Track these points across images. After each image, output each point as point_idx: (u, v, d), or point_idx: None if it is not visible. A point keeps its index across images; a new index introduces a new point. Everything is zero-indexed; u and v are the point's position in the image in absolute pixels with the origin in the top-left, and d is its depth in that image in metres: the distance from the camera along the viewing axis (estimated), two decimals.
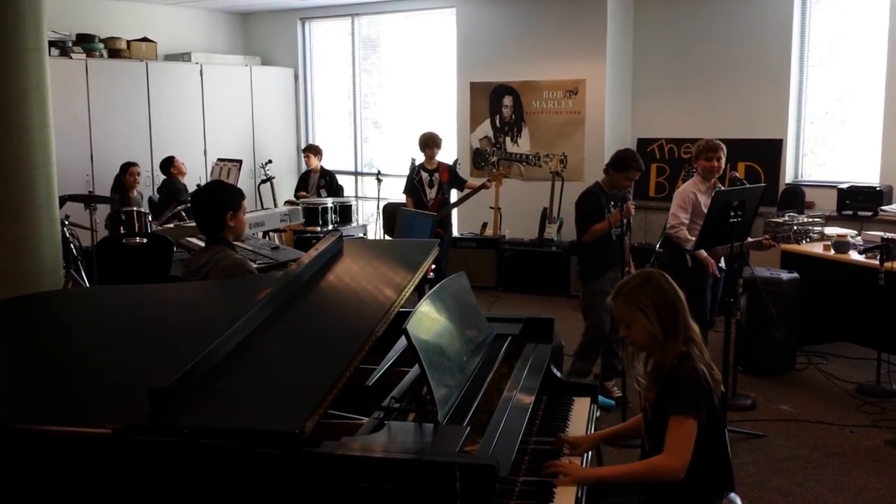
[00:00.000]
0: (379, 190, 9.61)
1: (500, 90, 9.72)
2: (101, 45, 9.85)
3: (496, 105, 9.77)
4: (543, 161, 9.51)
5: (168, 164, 9.17)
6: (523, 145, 9.67)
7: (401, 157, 9.66)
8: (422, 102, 10.80)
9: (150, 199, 9.10)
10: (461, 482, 2.03)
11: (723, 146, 5.76)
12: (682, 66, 9.00)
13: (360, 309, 2.92)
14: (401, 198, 8.27)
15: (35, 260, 4.45)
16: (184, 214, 7.96)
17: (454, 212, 8.54)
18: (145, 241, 6.90)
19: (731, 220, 5.21)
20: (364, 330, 2.58)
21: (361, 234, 9.33)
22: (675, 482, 2.67)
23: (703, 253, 5.59)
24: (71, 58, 9.36)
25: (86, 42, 9.67)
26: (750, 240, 5.62)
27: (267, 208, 9.33)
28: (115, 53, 9.97)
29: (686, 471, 2.66)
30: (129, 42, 10.14)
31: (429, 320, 2.69)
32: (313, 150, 9.98)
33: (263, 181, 10.32)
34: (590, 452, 2.95)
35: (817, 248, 6.41)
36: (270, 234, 8.04)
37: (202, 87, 10.53)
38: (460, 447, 2.20)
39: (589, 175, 8.77)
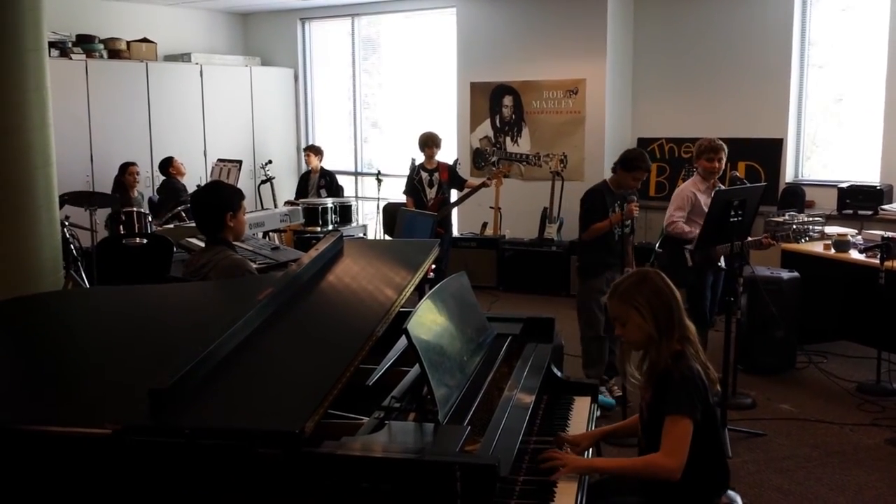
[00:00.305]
0: (379, 190, 9.61)
1: (501, 90, 9.72)
2: (101, 46, 9.85)
3: (496, 105, 9.77)
4: (543, 161, 9.51)
5: (167, 165, 9.18)
6: (523, 145, 9.67)
7: (401, 158, 9.66)
8: (422, 102, 10.80)
9: (150, 200, 9.10)
10: (462, 482, 2.03)
11: (724, 147, 5.75)
12: (682, 66, 9.00)
13: (361, 309, 2.92)
14: (401, 198, 8.27)
15: (35, 260, 4.45)
16: (184, 215, 7.96)
17: (454, 211, 8.54)
18: (145, 241, 6.90)
19: (732, 220, 5.21)
20: (364, 330, 2.58)
21: (361, 235, 9.33)
22: (672, 481, 2.67)
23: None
24: (71, 58, 9.36)
25: (86, 43, 9.67)
26: (750, 239, 5.62)
27: (267, 209, 9.34)
28: (114, 54, 9.97)
29: (682, 470, 2.67)
30: (128, 43, 10.14)
31: (429, 320, 2.69)
32: (314, 150, 9.98)
33: (263, 181, 10.33)
34: (590, 450, 2.95)
35: (818, 248, 6.41)
36: (270, 234, 8.04)
37: (202, 87, 10.53)
38: (461, 447, 2.20)
39: (589, 175, 8.79)
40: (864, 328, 6.33)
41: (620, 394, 5.39)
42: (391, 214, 8.72)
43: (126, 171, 8.62)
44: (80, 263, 6.82)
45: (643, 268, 3.00)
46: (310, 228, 8.67)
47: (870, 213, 7.47)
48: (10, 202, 4.37)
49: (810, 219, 6.39)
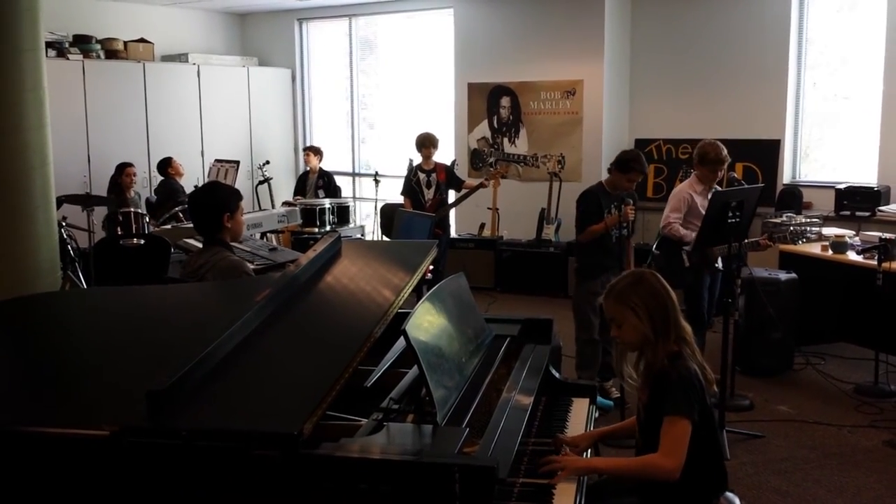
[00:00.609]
0: (377, 191, 9.61)
1: (498, 91, 9.72)
2: (98, 46, 9.84)
3: (494, 106, 9.77)
4: (541, 162, 9.51)
5: (165, 165, 9.17)
6: (521, 146, 9.67)
7: (398, 158, 9.66)
8: (419, 103, 10.80)
9: (148, 200, 9.08)
10: (460, 483, 2.03)
11: (728, 158, 5.72)
12: (679, 67, 9.01)
13: (359, 310, 2.92)
14: (398, 198, 8.26)
15: (32, 261, 4.44)
16: (181, 216, 7.95)
17: (452, 212, 8.54)
18: (143, 242, 6.89)
19: (730, 221, 5.20)
20: (362, 331, 2.57)
21: (359, 235, 9.32)
22: (670, 482, 2.67)
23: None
24: (68, 59, 9.34)
25: (83, 43, 9.66)
26: (747, 240, 5.61)
27: (265, 209, 9.33)
28: (112, 54, 9.95)
29: (681, 471, 2.66)
30: (126, 43, 10.13)
31: (427, 321, 2.69)
32: (314, 151, 9.98)
33: (261, 182, 10.32)
34: (588, 451, 2.95)
35: (815, 249, 6.41)
36: (268, 235, 8.03)
37: (199, 87, 10.52)
38: (459, 448, 2.19)
39: (587, 175, 8.79)
40: (861, 329, 6.34)
41: (619, 395, 5.39)
42: (389, 215, 8.72)
43: (123, 172, 8.61)
44: (77, 264, 6.81)
45: (638, 269, 3.01)
46: (307, 229, 8.67)
47: (867, 214, 7.47)
48: (8, 203, 4.36)
49: (808, 220, 6.39)
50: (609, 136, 9.12)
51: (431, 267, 6.68)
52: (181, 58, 10.65)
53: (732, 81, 8.65)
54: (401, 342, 2.83)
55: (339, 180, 10.21)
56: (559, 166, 9.27)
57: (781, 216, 6.75)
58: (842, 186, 7.75)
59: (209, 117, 10.63)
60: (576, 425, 3.12)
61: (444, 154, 9.08)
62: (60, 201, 6.20)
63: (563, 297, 8.36)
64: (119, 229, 7.22)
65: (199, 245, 4.23)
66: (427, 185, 7.86)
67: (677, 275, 5.28)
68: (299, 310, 2.87)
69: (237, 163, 9.72)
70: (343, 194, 10.28)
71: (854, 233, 6.69)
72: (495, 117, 9.79)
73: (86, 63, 9.46)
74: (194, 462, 2.09)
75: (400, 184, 8.21)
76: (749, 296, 6.09)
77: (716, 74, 8.76)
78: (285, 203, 9.44)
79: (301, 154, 11.24)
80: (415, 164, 8.08)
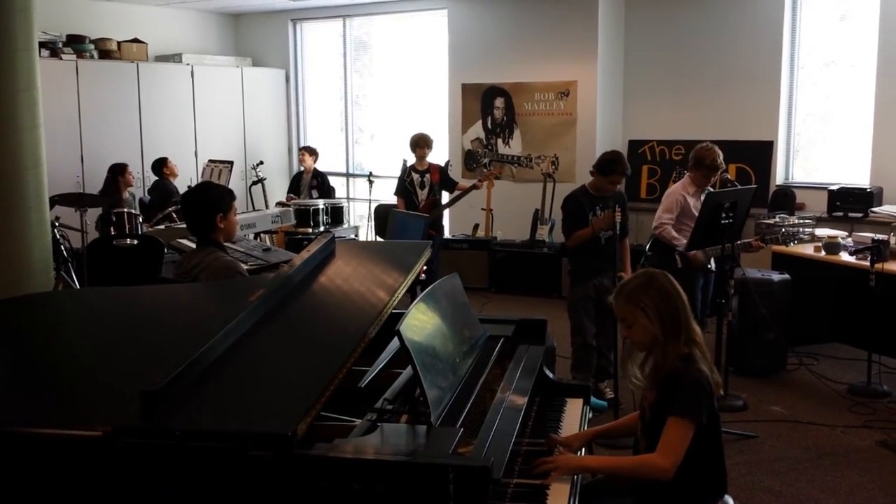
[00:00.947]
0: (370, 191, 9.60)
1: (492, 91, 9.72)
2: (92, 46, 9.82)
3: (488, 106, 9.78)
4: (535, 162, 9.51)
5: (160, 165, 9.14)
6: (515, 147, 9.68)
7: (392, 159, 9.65)
8: (413, 104, 10.80)
9: (142, 201, 9.06)
10: (455, 484, 2.03)
11: (723, 165, 5.72)
12: (673, 68, 9.02)
13: (353, 311, 2.92)
14: (392, 199, 8.26)
15: (25, 261, 4.43)
16: (174, 216, 7.93)
17: (446, 213, 8.54)
18: (136, 242, 6.87)
19: (723, 222, 5.22)
20: (356, 332, 2.58)
21: (353, 236, 9.32)
22: (664, 481, 2.67)
23: (696, 254, 5.57)
24: (61, 59, 9.32)
25: (76, 43, 9.64)
26: (739, 242, 5.63)
27: (258, 210, 9.31)
28: (105, 54, 9.93)
29: (675, 471, 2.66)
30: (119, 43, 10.10)
31: (421, 322, 2.69)
32: (308, 151, 9.96)
33: (255, 182, 10.30)
34: (582, 451, 2.95)
35: (808, 250, 6.43)
36: (262, 235, 8.02)
37: (193, 88, 10.50)
38: (453, 449, 2.19)
39: (581, 176, 8.79)
40: (854, 330, 6.35)
41: (612, 396, 5.39)
42: (382, 216, 8.71)
43: (125, 171, 8.57)
44: (70, 264, 6.79)
45: (649, 269, 2.99)
46: (301, 230, 8.65)
47: (860, 215, 7.49)
48: (1, 203, 4.35)
49: (800, 221, 6.41)
50: (603, 137, 9.13)
51: (425, 267, 6.70)
52: (175, 58, 10.63)
53: (725, 83, 8.66)
54: (395, 343, 2.82)
55: (332, 181, 10.20)
56: (553, 167, 9.28)
57: (774, 217, 6.78)
58: (834, 187, 7.77)
59: (203, 118, 10.61)
60: (570, 426, 3.12)
61: (438, 155, 9.08)
62: (53, 201, 6.18)
63: (556, 298, 8.37)
64: (112, 229, 7.19)
65: (193, 245, 4.21)
66: (421, 186, 7.86)
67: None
68: (293, 310, 2.87)
69: (231, 163, 9.69)
70: (337, 195, 10.27)
71: (847, 234, 6.71)
72: (489, 118, 9.80)
73: (79, 63, 9.44)
74: (188, 463, 2.08)
75: (393, 184, 8.21)
76: (742, 296, 6.10)
77: (709, 76, 8.77)
78: (279, 203, 9.43)
79: (295, 154, 11.24)
80: (408, 164, 8.07)
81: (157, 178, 9.16)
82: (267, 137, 11.47)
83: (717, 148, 5.73)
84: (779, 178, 8.53)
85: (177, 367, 2.23)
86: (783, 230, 6.08)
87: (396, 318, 2.59)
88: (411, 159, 8.07)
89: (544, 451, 2.83)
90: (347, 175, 11.52)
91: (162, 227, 7.63)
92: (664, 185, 8.58)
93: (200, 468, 2.09)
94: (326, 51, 11.60)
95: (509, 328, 3.42)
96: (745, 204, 5.49)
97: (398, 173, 8.20)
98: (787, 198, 8.12)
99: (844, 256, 6.18)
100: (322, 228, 8.70)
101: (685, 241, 5.54)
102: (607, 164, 5.46)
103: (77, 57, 9.49)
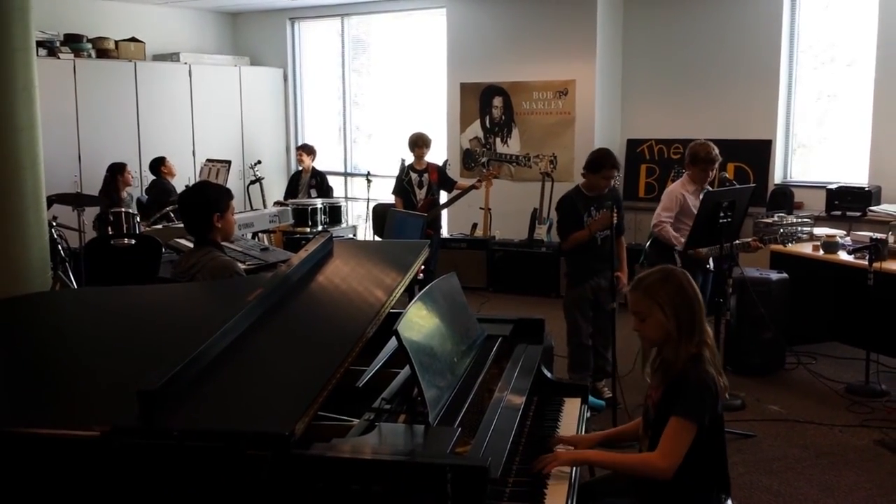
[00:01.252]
0: (369, 190, 9.60)
1: (490, 91, 9.72)
2: (89, 45, 9.81)
3: (486, 106, 9.77)
4: (533, 162, 9.51)
5: (158, 164, 9.13)
6: (513, 146, 9.67)
7: (390, 158, 9.65)
8: (412, 103, 10.80)
9: (139, 200, 9.05)
10: (452, 483, 2.02)
11: (719, 158, 5.73)
12: (671, 67, 9.02)
13: (351, 310, 2.91)
14: (390, 198, 8.26)
15: (23, 261, 4.42)
16: (172, 215, 7.92)
17: (444, 212, 8.54)
18: (133, 242, 6.87)
19: (721, 221, 5.22)
20: (354, 331, 2.57)
21: (351, 235, 9.31)
22: (663, 480, 2.67)
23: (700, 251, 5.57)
24: (59, 58, 9.31)
25: (74, 42, 9.62)
26: (737, 241, 5.62)
27: (256, 209, 9.30)
28: (103, 53, 9.92)
29: (674, 472, 2.66)
30: (117, 42, 10.10)
31: (419, 321, 2.68)
32: (307, 150, 9.94)
33: (252, 182, 10.30)
34: None
35: (806, 249, 6.43)
36: (260, 235, 8.01)
37: (191, 87, 10.50)
38: (451, 448, 2.19)
39: (579, 176, 8.75)
40: (853, 329, 6.35)
41: (610, 395, 5.39)
42: (381, 215, 8.70)
43: (124, 171, 8.56)
44: (67, 264, 6.78)
45: (668, 265, 2.97)
46: (299, 229, 8.65)
47: (858, 214, 7.49)
48: None
49: (799, 220, 6.42)
50: (601, 136, 9.13)
51: (423, 267, 6.70)
52: (172, 57, 10.62)
53: (724, 82, 8.66)
54: (392, 342, 2.82)
55: (330, 180, 10.20)
56: (551, 166, 9.27)
57: (773, 216, 6.78)
58: (833, 186, 7.77)
59: (201, 117, 10.60)
60: (568, 425, 3.12)
61: (437, 154, 9.07)
62: (51, 201, 6.17)
63: (554, 297, 8.37)
64: (110, 229, 7.19)
65: (191, 245, 4.21)
66: (419, 185, 7.85)
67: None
68: (291, 310, 2.87)
69: (228, 162, 9.69)
70: (335, 194, 10.26)
71: (845, 233, 6.71)
72: (487, 117, 9.79)
73: (77, 62, 9.43)
74: (186, 462, 2.08)
75: (391, 184, 8.20)
76: (740, 295, 6.10)
77: (707, 75, 8.77)
78: (277, 203, 9.42)
79: (293, 154, 11.22)
80: (406, 163, 8.07)
81: (154, 177, 9.15)
82: (265, 137, 11.46)
83: (710, 143, 5.75)
84: (777, 177, 8.54)
85: (174, 366, 2.22)
86: (781, 230, 6.09)
87: (394, 317, 2.59)
88: (409, 158, 8.06)
89: (543, 450, 2.82)
90: (345, 174, 11.52)
91: (160, 226, 7.62)
92: (662, 184, 8.58)
93: (198, 468, 2.08)
94: (324, 50, 11.59)
95: (507, 328, 3.42)
96: (743, 203, 5.49)
97: (396, 173, 8.19)
98: (785, 197, 8.12)
99: (843, 255, 6.17)
100: (320, 228, 8.70)
101: (684, 241, 5.54)
102: (597, 161, 5.47)
103: (74, 56, 9.49)
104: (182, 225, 5.20)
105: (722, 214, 5.21)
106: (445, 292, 3.06)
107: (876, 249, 5.69)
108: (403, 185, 7.89)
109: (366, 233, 10.04)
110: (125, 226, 7.25)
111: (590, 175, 5.50)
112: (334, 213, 9.09)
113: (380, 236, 8.75)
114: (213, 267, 3.75)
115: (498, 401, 2.73)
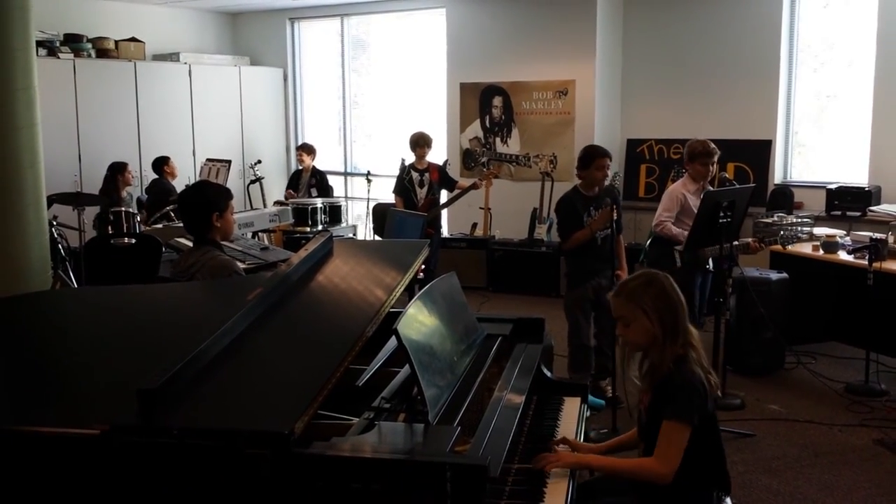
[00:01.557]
0: (369, 190, 9.60)
1: (490, 91, 9.72)
2: (89, 45, 9.81)
3: (486, 105, 9.77)
4: (533, 161, 9.51)
5: (161, 164, 9.12)
6: (513, 146, 9.68)
7: (390, 158, 9.65)
8: (411, 103, 10.80)
9: (139, 200, 9.05)
10: (452, 482, 2.02)
11: (717, 150, 5.75)
12: (671, 67, 9.02)
13: (351, 309, 2.91)
14: (390, 198, 8.26)
15: (23, 260, 4.42)
16: (172, 215, 7.93)
17: (444, 212, 8.54)
18: (133, 241, 6.87)
19: (721, 221, 5.22)
20: (354, 330, 2.57)
21: (351, 235, 9.31)
22: (663, 485, 2.67)
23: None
24: (59, 58, 9.31)
25: (74, 42, 9.63)
26: (737, 242, 5.62)
27: (256, 209, 9.31)
28: (103, 53, 9.93)
29: (673, 476, 2.67)
30: (117, 42, 10.10)
31: (419, 321, 2.69)
32: (307, 150, 9.92)
33: (252, 181, 10.30)
34: None
35: (806, 249, 6.43)
36: (260, 234, 8.02)
37: (191, 87, 10.50)
38: (451, 447, 2.19)
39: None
40: (852, 329, 6.36)
41: (616, 394, 5.35)
42: (381, 215, 8.71)
43: (125, 171, 8.57)
44: (68, 263, 6.79)
45: (650, 270, 2.99)
46: (299, 228, 8.65)
47: (858, 214, 7.50)
48: None
49: (799, 220, 6.42)
50: (601, 136, 9.11)
51: (423, 266, 6.71)
52: (172, 57, 10.62)
53: (724, 81, 8.66)
54: (392, 341, 2.83)
55: (330, 180, 10.20)
56: (551, 166, 9.27)
57: (772, 216, 6.78)
58: (833, 186, 7.78)
59: (201, 117, 10.60)
60: (567, 424, 3.12)
61: (437, 154, 9.07)
62: (51, 200, 6.17)
63: (554, 297, 8.37)
64: (110, 228, 7.19)
65: (191, 244, 4.21)
66: (420, 185, 7.85)
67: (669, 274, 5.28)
68: (291, 309, 2.87)
69: (229, 162, 9.69)
70: (335, 194, 10.26)
71: (845, 233, 6.71)
72: (487, 117, 9.79)
73: (77, 62, 9.43)
74: (185, 461, 2.08)
75: (391, 183, 8.20)
76: (740, 295, 6.10)
77: (707, 74, 8.77)
78: (277, 202, 9.42)
79: (293, 153, 11.22)
80: (407, 163, 8.07)
81: (156, 176, 9.14)
82: (265, 136, 11.47)
83: (706, 139, 5.78)
84: (777, 177, 8.54)
85: (174, 365, 2.22)
86: (782, 232, 6.09)
87: (394, 316, 2.59)
88: (409, 158, 8.06)
89: (544, 449, 2.83)
90: (345, 174, 11.52)
91: (160, 226, 7.62)
92: (662, 184, 8.59)
93: (198, 467, 2.08)
94: (324, 50, 11.59)
95: (507, 327, 3.43)
96: (743, 203, 5.49)
97: (396, 172, 8.19)
98: (785, 197, 8.13)
99: (843, 255, 6.18)
100: (320, 227, 8.70)
101: (686, 235, 5.54)
102: (586, 156, 5.53)
103: (74, 56, 9.49)
104: (182, 224, 5.20)
105: (722, 214, 5.21)
106: (445, 292, 3.06)
107: (876, 249, 5.69)
108: (404, 185, 7.89)
109: (366, 232, 10.04)
110: (125, 225, 7.25)
111: (583, 171, 5.52)
112: (334, 213, 9.09)
113: (380, 236, 8.75)
114: (213, 266, 3.75)
115: (497, 400, 2.73)
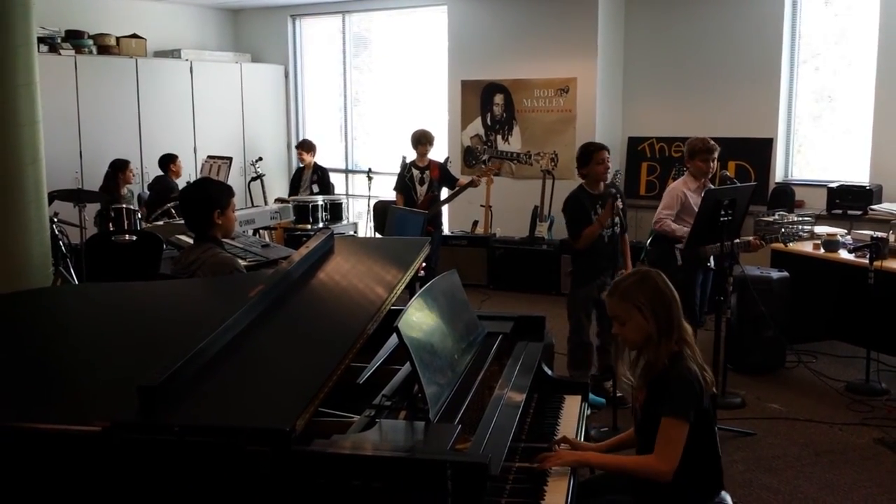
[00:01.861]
0: (370, 187, 9.60)
1: (492, 88, 9.71)
2: (91, 42, 9.81)
3: (487, 103, 9.77)
4: (534, 159, 9.51)
5: (168, 161, 9.09)
6: (514, 143, 9.67)
7: (391, 155, 9.64)
8: (413, 100, 10.79)
9: (140, 197, 9.05)
10: (453, 480, 2.03)
11: (717, 147, 5.75)
12: (672, 65, 9.02)
13: (351, 307, 2.91)
14: (391, 195, 8.26)
15: (24, 257, 4.43)
16: (174, 212, 7.93)
17: (445, 209, 8.54)
18: (135, 238, 6.87)
19: (722, 219, 5.22)
20: (355, 328, 2.57)
21: (352, 232, 9.32)
22: (664, 482, 2.68)
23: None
24: (60, 54, 9.31)
25: (75, 38, 9.62)
26: (738, 240, 5.62)
27: (257, 206, 9.30)
28: (104, 50, 9.92)
29: (674, 473, 2.67)
30: (118, 38, 10.09)
31: (420, 318, 2.69)
32: (306, 147, 9.88)
33: (254, 178, 10.29)
34: None
35: (807, 247, 6.43)
36: (261, 231, 8.02)
37: (192, 84, 10.49)
38: (451, 445, 2.19)
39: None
40: (853, 328, 6.35)
41: (620, 395, 5.31)
42: (381, 212, 8.70)
43: (126, 168, 8.56)
44: (69, 260, 6.78)
45: (643, 267, 3.00)
46: (300, 226, 8.65)
47: (859, 213, 7.49)
48: (0, 198, 4.34)
49: (800, 219, 6.41)
50: (602, 133, 9.10)
51: (424, 264, 6.70)
52: (174, 54, 10.62)
53: (725, 80, 8.66)
54: (393, 339, 2.82)
55: (331, 177, 10.20)
56: (552, 164, 9.27)
57: (773, 215, 6.77)
58: (834, 185, 7.77)
59: (202, 113, 10.59)
60: (568, 422, 3.12)
61: (438, 151, 9.07)
62: (52, 197, 6.17)
63: (555, 295, 8.38)
64: (111, 225, 7.19)
65: (192, 241, 4.21)
66: (420, 182, 7.85)
67: (670, 272, 5.26)
68: (292, 306, 2.87)
69: (230, 159, 9.68)
70: (336, 191, 10.26)
71: (846, 231, 6.71)
72: (489, 115, 9.79)
73: (78, 58, 9.43)
74: (186, 458, 2.08)
75: (392, 181, 8.20)
76: (741, 294, 6.10)
77: (709, 73, 8.77)
78: (278, 199, 9.42)
79: (294, 151, 11.20)
80: (408, 160, 8.06)
81: (161, 172, 9.11)
82: (266, 133, 11.46)
83: (706, 137, 5.79)
84: (778, 175, 8.53)
85: (175, 362, 2.22)
86: (783, 230, 6.08)
87: (395, 314, 2.59)
88: (411, 155, 8.06)
89: (544, 447, 2.83)
90: (346, 171, 11.51)
91: (161, 223, 7.62)
92: (663, 183, 8.58)
93: (199, 464, 2.08)
94: (325, 47, 11.58)
95: (508, 325, 3.43)
96: (744, 201, 5.49)
97: (397, 170, 8.19)
98: (786, 195, 8.12)
99: (843, 254, 6.18)
100: (321, 225, 8.70)
101: (686, 231, 5.53)
102: (584, 153, 5.58)
103: (76, 52, 9.49)
104: (183, 221, 5.20)
105: (723, 213, 5.21)
106: (446, 289, 3.06)
107: (876, 248, 5.69)
108: (405, 182, 7.89)
109: (367, 229, 10.03)
110: (126, 222, 7.25)
111: (584, 169, 5.56)
112: (335, 210, 9.09)
113: (381, 233, 8.74)
114: (214, 263, 3.75)
115: (498, 398, 2.73)
